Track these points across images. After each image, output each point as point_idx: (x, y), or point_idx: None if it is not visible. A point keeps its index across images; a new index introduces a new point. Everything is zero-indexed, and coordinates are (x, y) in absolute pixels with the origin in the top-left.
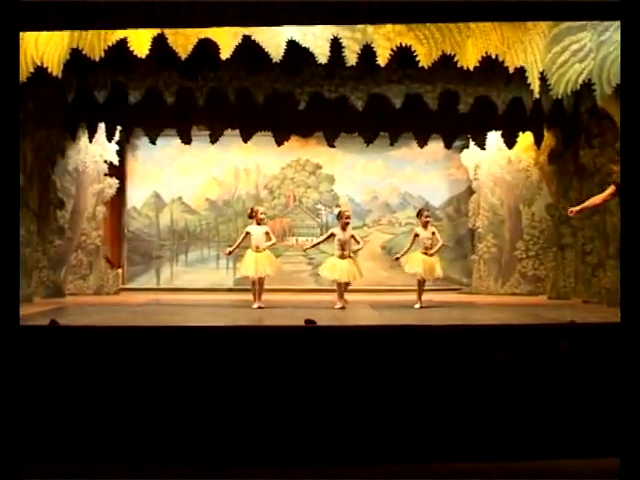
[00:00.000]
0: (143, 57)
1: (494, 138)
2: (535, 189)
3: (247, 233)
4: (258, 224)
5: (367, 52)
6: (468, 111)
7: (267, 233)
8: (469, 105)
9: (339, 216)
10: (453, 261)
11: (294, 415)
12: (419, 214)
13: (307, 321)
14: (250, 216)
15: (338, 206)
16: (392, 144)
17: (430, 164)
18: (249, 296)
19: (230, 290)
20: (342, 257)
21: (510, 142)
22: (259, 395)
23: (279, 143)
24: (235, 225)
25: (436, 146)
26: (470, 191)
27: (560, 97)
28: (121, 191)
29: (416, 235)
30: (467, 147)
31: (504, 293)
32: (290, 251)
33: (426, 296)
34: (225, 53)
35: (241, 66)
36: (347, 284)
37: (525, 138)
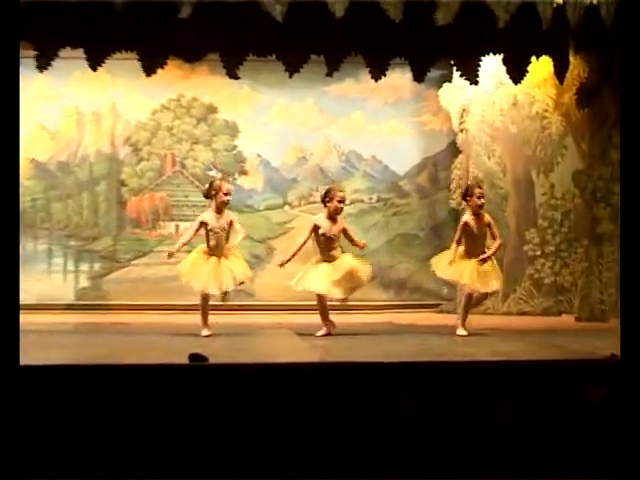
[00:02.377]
0: None
1: (491, 66)
2: (556, 147)
3: (201, 224)
4: (218, 210)
5: None
6: (451, 24)
7: (231, 224)
8: (452, 14)
9: (327, 196)
10: (426, 261)
11: None
12: (467, 194)
13: (193, 356)
14: (207, 195)
15: (243, 173)
16: (330, 74)
17: (391, 107)
18: (100, 316)
19: (69, 308)
20: (329, 259)
21: (517, 73)
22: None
23: (149, 71)
24: (78, 202)
25: (400, 78)
26: (453, 150)
27: (595, 2)
28: None
29: (465, 226)
30: (449, 81)
31: (507, 312)
32: (167, 245)
33: (386, 316)
34: None
35: None
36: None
37: (540, 67)
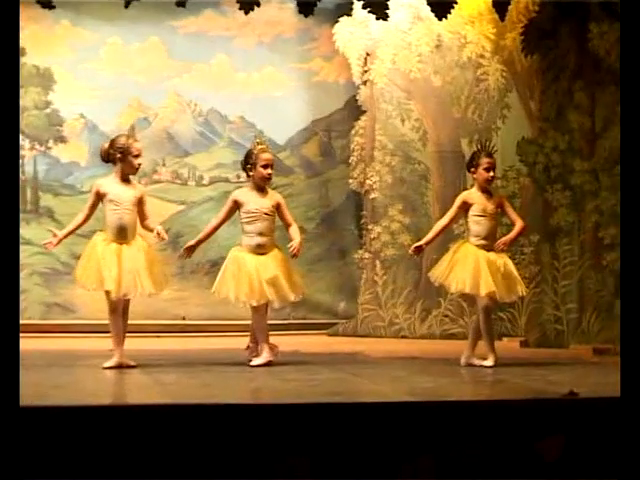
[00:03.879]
0: None
1: None
2: (495, 107)
3: (98, 195)
4: (124, 178)
5: None
6: None
7: (141, 202)
8: None
9: (248, 162)
10: (317, 264)
11: None
12: (472, 163)
13: None
14: (107, 158)
15: (60, 140)
16: (182, 4)
17: (267, 49)
18: None
19: None
20: (259, 250)
21: (441, 5)
22: None
23: None
24: None
25: (280, 10)
26: (354, 110)
27: None
28: None
29: (465, 205)
30: (348, 14)
31: (428, 334)
32: None
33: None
34: None
35: None
36: (265, 306)
37: None
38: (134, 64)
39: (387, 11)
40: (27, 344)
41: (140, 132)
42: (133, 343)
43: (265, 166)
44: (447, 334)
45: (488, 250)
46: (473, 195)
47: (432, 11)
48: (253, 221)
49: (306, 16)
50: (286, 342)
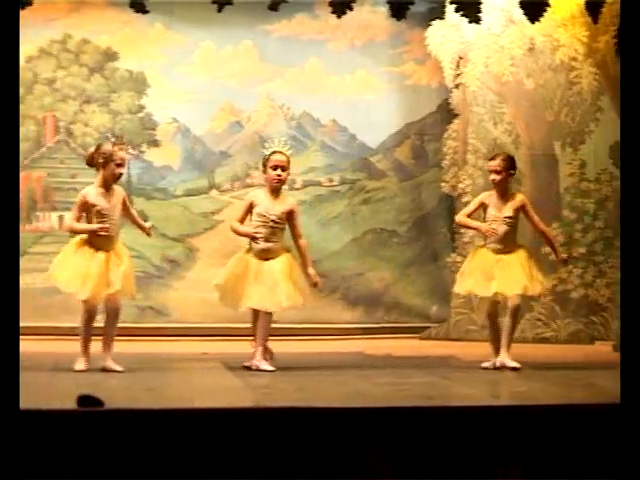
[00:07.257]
0: None
1: None
2: (588, 110)
3: (85, 205)
4: (106, 185)
5: None
6: None
7: (125, 204)
8: None
9: (267, 162)
10: (409, 268)
11: None
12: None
13: (83, 399)
14: (92, 163)
15: (153, 144)
16: (275, 8)
17: (359, 53)
18: None
19: None
20: (265, 255)
21: (534, 8)
22: None
23: (23, 2)
24: None
25: (373, 14)
26: (446, 114)
27: None
28: None
29: (482, 206)
30: (441, 17)
31: (520, 338)
32: (47, 244)
33: (352, 344)
34: None
35: None
36: (268, 316)
37: (564, 1)
38: (227, 68)
39: (480, 14)
40: (120, 347)
41: (233, 136)
42: (224, 347)
43: (274, 167)
44: (540, 338)
45: (499, 253)
46: (489, 196)
47: (525, 14)
48: (261, 225)
49: (398, 19)
50: (378, 346)
